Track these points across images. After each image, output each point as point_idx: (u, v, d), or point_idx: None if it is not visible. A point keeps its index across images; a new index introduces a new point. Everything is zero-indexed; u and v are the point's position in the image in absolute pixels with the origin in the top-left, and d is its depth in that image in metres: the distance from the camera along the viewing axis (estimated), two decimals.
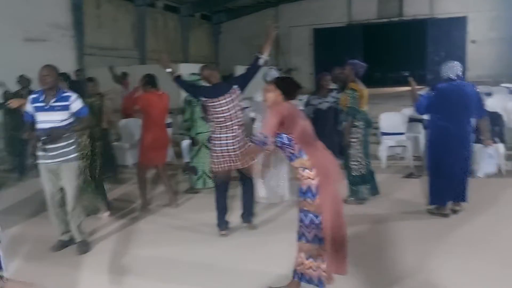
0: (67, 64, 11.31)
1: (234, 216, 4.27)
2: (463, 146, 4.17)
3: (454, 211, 4.30)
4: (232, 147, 3.86)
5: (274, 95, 2.74)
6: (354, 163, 4.61)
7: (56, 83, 3.61)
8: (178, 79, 4.08)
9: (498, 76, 15.64)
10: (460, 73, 4.17)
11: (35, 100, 3.60)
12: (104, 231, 4.28)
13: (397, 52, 22.59)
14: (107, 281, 3.24)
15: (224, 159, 3.89)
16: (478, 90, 4.30)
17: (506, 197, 4.80)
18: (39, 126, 3.57)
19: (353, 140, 4.56)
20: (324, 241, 2.64)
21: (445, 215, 4.24)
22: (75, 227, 3.76)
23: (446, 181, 4.20)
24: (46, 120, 3.54)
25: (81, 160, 4.10)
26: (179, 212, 4.84)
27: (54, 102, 3.56)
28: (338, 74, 6.03)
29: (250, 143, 2.64)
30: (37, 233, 4.26)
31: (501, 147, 5.72)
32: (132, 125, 7.01)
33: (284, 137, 2.65)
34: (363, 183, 4.68)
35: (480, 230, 3.91)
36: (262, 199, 4.89)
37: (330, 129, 5.07)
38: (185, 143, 6.52)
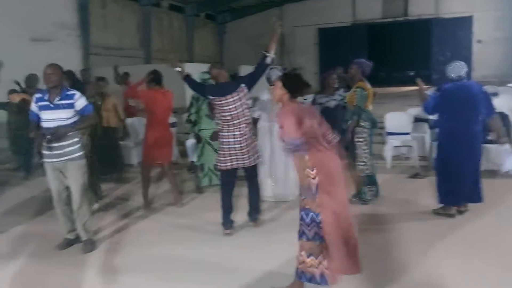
0: (73, 63, 11.37)
1: (240, 215, 4.28)
2: (471, 146, 4.14)
3: (460, 212, 4.28)
4: (239, 145, 3.89)
5: (280, 92, 2.76)
6: (360, 163, 4.60)
7: (61, 81, 3.64)
8: (187, 78, 4.14)
9: (504, 76, 15.53)
10: (465, 73, 4.15)
11: (39, 100, 3.63)
12: (108, 230, 4.30)
13: (402, 51, 22.49)
14: (111, 280, 3.26)
15: (231, 157, 3.92)
16: (485, 89, 4.27)
17: (510, 199, 4.77)
18: (45, 124, 3.60)
19: (359, 140, 4.55)
20: (325, 239, 2.64)
21: (451, 215, 4.23)
22: (81, 225, 3.78)
23: (455, 182, 4.18)
24: (52, 118, 3.57)
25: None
26: (184, 211, 4.85)
27: (59, 100, 3.59)
28: (342, 74, 6.04)
29: (289, 153, 2.66)
30: (43, 231, 4.29)
31: (507, 147, 5.68)
32: (137, 124, 7.06)
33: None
34: (368, 184, 4.66)
35: (483, 231, 3.89)
36: (269, 197, 4.91)
37: (339, 127, 5.06)
38: (190, 142, 6.54)
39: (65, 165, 3.65)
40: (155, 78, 4.77)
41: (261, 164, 4.68)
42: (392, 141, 6.52)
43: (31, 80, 6.59)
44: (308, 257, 2.69)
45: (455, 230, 3.92)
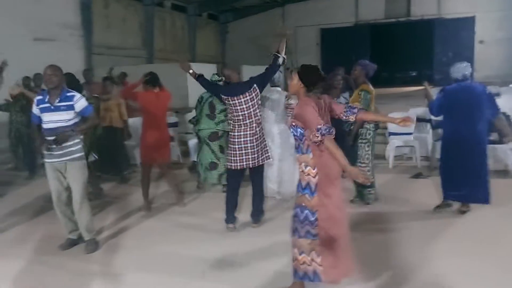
0: (76, 63, 11.42)
1: (242, 215, 4.29)
2: (475, 146, 4.15)
3: (462, 212, 4.29)
4: (250, 145, 3.94)
5: (297, 84, 2.75)
6: (362, 164, 4.60)
7: (61, 82, 3.64)
8: (200, 79, 4.19)
9: (506, 76, 15.49)
10: (469, 74, 4.16)
11: (40, 102, 3.64)
12: (111, 229, 4.32)
13: (405, 52, 22.46)
14: (114, 279, 3.27)
15: (242, 157, 3.96)
16: (488, 90, 4.27)
17: None
18: (45, 126, 3.61)
19: (363, 141, 4.56)
20: (319, 237, 2.65)
21: (448, 205, 4.37)
22: (83, 225, 3.78)
23: (459, 182, 4.20)
24: (52, 120, 3.58)
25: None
26: (186, 210, 4.87)
27: (58, 102, 3.58)
28: (345, 75, 6.03)
29: (321, 137, 2.58)
30: (46, 231, 4.31)
31: (509, 147, 5.68)
32: (138, 124, 7.04)
33: (299, 131, 2.68)
34: (369, 185, 4.66)
35: (485, 231, 3.90)
36: (273, 194, 4.93)
37: (342, 131, 5.07)
38: (192, 142, 6.56)
39: (65, 165, 3.65)
40: (150, 80, 4.77)
41: (270, 164, 4.69)
42: (394, 141, 6.53)
43: (39, 79, 6.59)
44: (300, 254, 2.71)
45: (457, 230, 3.93)
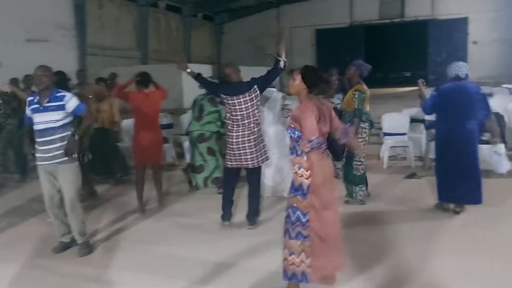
0: (69, 64, 11.35)
1: (238, 216, 4.29)
2: (467, 146, 4.17)
3: (456, 212, 4.32)
4: (248, 145, 3.95)
5: (299, 85, 2.73)
6: (357, 162, 4.63)
7: (51, 83, 3.60)
8: (199, 78, 4.18)
9: (499, 76, 15.64)
10: (465, 74, 4.19)
11: (31, 103, 3.60)
12: (106, 231, 4.29)
13: (399, 52, 22.59)
14: (110, 280, 3.25)
15: (240, 157, 3.97)
16: (482, 91, 4.30)
17: (507, 198, 4.80)
18: (36, 127, 3.56)
19: (359, 140, 4.59)
20: (309, 238, 2.66)
21: (446, 210, 4.36)
22: (75, 229, 3.71)
23: (451, 181, 4.23)
24: (41, 121, 3.52)
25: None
26: (182, 211, 4.85)
27: (47, 102, 3.53)
28: (340, 76, 6.07)
29: (311, 150, 2.63)
30: (39, 233, 4.26)
31: (502, 147, 5.72)
32: (131, 125, 6.97)
33: (296, 133, 2.68)
34: (361, 182, 4.69)
35: (481, 231, 3.92)
36: (270, 194, 4.93)
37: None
38: (187, 143, 6.54)
39: (56, 168, 3.58)
40: (142, 80, 4.73)
41: (268, 165, 4.69)
42: (389, 141, 6.56)
43: (30, 80, 6.54)
44: (290, 255, 2.73)
45: (452, 229, 3.95)
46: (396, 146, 6.68)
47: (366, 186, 4.80)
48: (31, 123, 3.65)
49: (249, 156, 3.97)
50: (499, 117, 6.05)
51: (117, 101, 5.91)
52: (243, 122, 3.95)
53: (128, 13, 15.64)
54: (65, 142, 3.55)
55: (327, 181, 2.71)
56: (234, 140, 3.97)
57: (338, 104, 5.70)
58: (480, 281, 3.01)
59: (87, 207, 4.77)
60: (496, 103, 6.94)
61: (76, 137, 3.60)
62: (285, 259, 2.75)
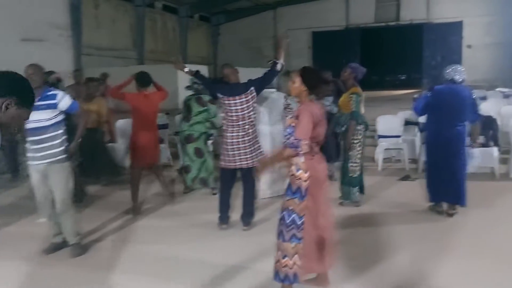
0: (65, 64, 11.31)
1: (234, 216, 4.29)
2: (454, 148, 4.23)
3: (449, 214, 4.35)
4: (242, 145, 3.97)
5: (299, 87, 2.72)
6: (353, 164, 4.65)
7: (42, 82, 3.57)
8: (198, 75, 4.21)
9: (493, 80, 15.79)
10: (460, 78, 4.23)
11: None
12: (101, 231, 4.27)
13: (394, 55, 22.76)
14: (104, 280, 3.24)
15: (234, 157, 3.98)
16: (474, 95, 4.35)
17: (500, 201, 4.84)
18: (27, 126, 3.51)
19: (354, 142, 4.61)
20: (303, 240, 2.67)
21: (439, 212, 4.39)
22: (67, 229, 3.67)
23: (439, 181, 4.29)
24: (33, 119, 3.42)
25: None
26: (177, 212, 4.84)
27: (38, 101, 3.42)
28: (334, 79, 6.09)
29: (284, 147, 2.64)
30: (31, 233, 4.22)
31: (495, 150, 5.78)
32: (126, 126, 6.94)
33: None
34: (357, 184, 4.71)
35: (476, 233, 3.95)
36: (265, 195, 4.94)
37: (327, 133, 5.11)
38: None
39: (47, 167, 3.54)
40: (141, 81, 4.72)
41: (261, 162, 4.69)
42: (383, 143, 6.60)
43: None
44: (283, 258, 2.73)
45: (446, 232, 3.97)
46: (391, 148, 6.72)
47: (363, 188, 4.82)
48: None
49: (243, 157, 3.99)
50: (492, 120, 6.11)
51: (107, 101, 5.89)
52: (237, 123, 3.97)
53: (125, 13, 15.61)
54: (57, 141, 3.52)
55: (323, 182, 2.73)
56: (228, 141, 3.99)
57: (328, 106, 5.72)
58: (475, 282, 3.03)
59: (79, 207, 4.71)
60: (490, 107, 7.02)
61: (79, 139, 3.61)
62: (278, 261, 2.75)
